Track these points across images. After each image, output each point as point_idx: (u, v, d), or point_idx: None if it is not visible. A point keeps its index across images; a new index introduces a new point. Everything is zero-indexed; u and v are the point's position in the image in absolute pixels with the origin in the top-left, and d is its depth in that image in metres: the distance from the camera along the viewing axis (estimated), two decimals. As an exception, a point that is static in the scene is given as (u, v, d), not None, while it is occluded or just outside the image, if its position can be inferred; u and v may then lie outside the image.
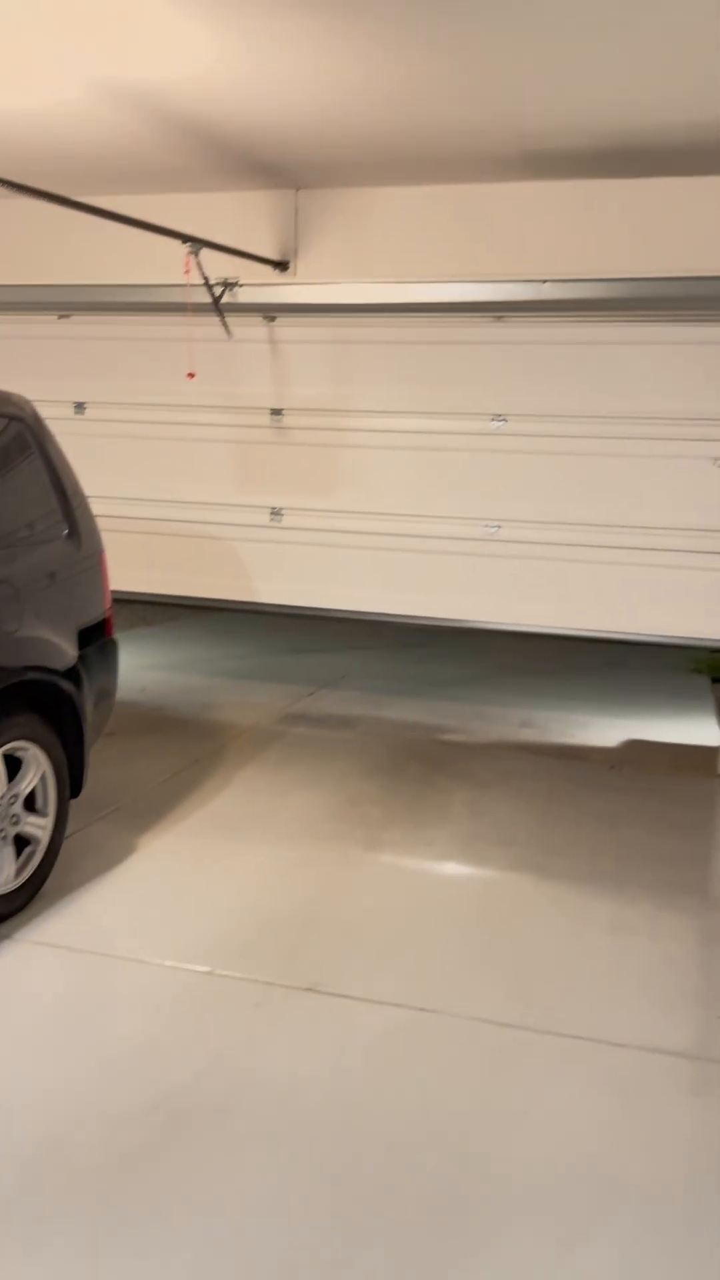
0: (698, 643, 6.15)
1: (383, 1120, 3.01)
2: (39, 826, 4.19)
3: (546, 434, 6.11)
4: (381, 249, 6.23)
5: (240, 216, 6.54)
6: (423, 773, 6.03)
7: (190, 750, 6.22)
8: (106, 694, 4.76)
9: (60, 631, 4.27)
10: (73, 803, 4.49)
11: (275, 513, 6.84)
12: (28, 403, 4.43)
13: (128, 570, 5.95)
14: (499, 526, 6.35)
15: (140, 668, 8.27)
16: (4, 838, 4.01)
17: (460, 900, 4.45)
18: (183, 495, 7.02)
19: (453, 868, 4.78)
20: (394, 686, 8.13)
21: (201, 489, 6.96)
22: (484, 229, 6.00)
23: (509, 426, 6.17)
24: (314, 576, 6.80)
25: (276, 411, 6.67)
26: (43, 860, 4.20)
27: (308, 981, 3.72)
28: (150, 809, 5.24)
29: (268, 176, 6.17)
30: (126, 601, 11.59)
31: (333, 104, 4.71)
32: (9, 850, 4.03)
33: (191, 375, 5.99)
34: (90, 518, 4.63)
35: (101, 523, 4.75)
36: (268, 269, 6.49)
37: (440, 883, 4.63)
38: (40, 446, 4.43)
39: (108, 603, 4.70)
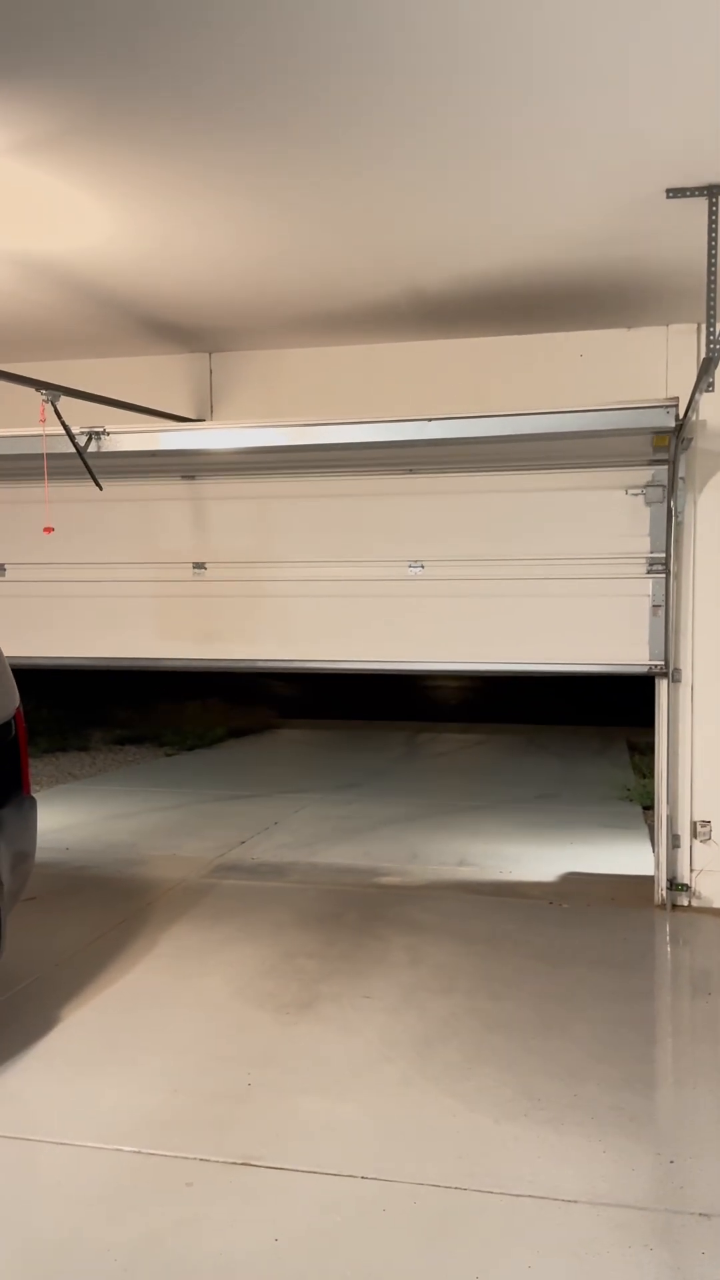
0: (616, 670, 6.17)
1: (325, 1307, 2.79)
2: (-48, 1002, 3.95)
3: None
4: (292, 406, 6.47)
5: (155, 379, 6.75)
6: (360, 920, 5.88)
7: (116, 911, 5.99)
8: (24, 856, 4.59)
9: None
10: (-9, 974, 4.27)
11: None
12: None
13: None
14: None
15: (64, 825, 8.02)
16: None
17: (401, 1056, 4.27)
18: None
19: (392, 1021, 4.60)
20: (327, 830, 8.00)
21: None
22: (389, 385, 6.30)
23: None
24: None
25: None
26: (-44, 1039, 3.95)
27: (242, 1155, 3.50)
28: (73, 977, 4.99)
29: (181, 342, 6.42)
30: (48, 751, 11.37)
31: (234, 272, 4.97)
32: None
33: (49, 529, 5.65)
34: (5, 670, 4.56)
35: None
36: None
37: (380, 1039, 4.44)
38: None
39: (24, 758, 4.59)
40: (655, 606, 5.94)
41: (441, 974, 5.10)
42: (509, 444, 5.64)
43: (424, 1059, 4.24)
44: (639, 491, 5.96)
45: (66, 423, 5.62)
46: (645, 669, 5.96)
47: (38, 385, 5.38)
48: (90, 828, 8.05)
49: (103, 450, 5.95)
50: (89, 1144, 3.55)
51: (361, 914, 5.98)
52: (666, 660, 5.92)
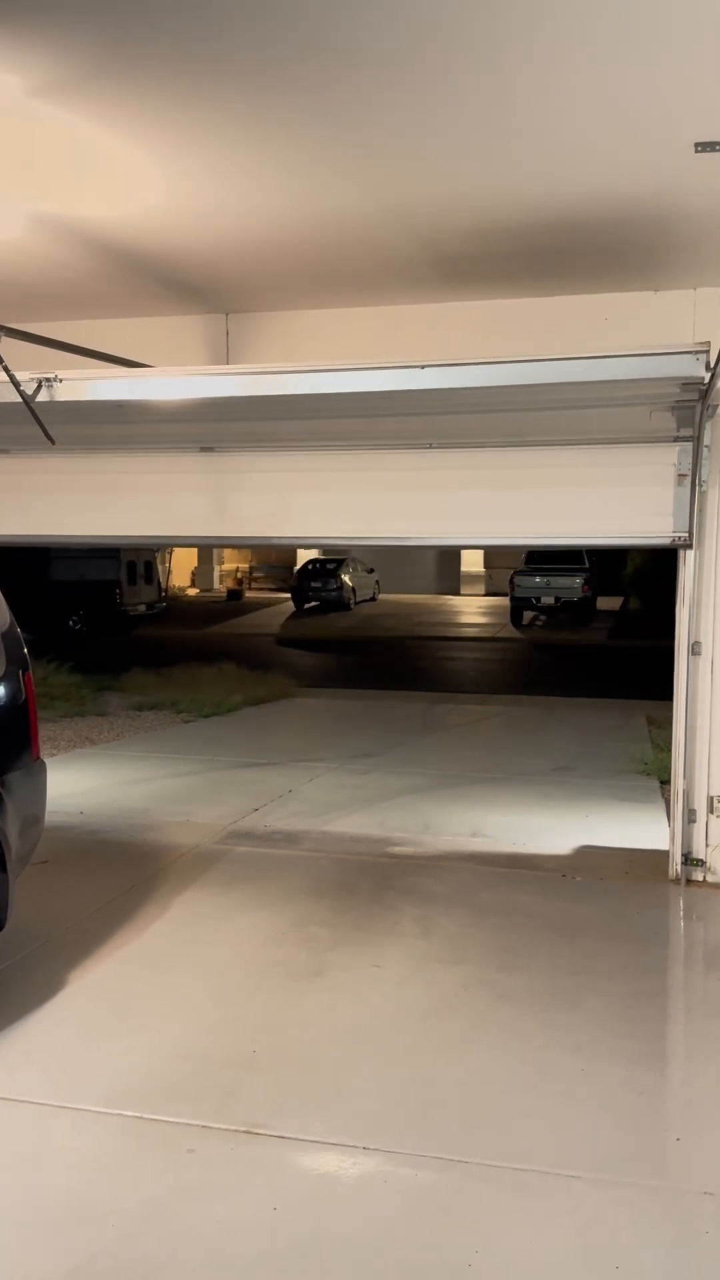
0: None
1: (322, 1277, 2.77)
2: (-41, 964, 3.95)
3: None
4: (310, 367, 6.35)
5: (172, 341, 6.66)
6: (372, 889, 5.85)
7: (127, 875, 5.98)
8: (34, 820, 4.57)
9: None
10: (2, 935, 4.26)
11: None
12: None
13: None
14: None
15: (79, 789, 8.03)
16: None
17: (409, 1027, 4.24)
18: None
19: (402, 991, 4.57)
20: (341, 799, 7.97)
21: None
22: (410, 348, 6.13)
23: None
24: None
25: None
26: (-37, 1001, 3.95)
27: (245, 1123, 3.48)
28: (82, 940, 4.99)
29: (198, 301, 6.31)
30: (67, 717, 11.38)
31: (251, 226, 4.84)
32: None
33: None
34: (15, 636, 4.53)
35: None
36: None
37: (389, 1008, 4.41)
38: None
39: (33, 722, 4.56)
40: (680, 475, 5.74)
41: (453, 945, 5.06)
42: (526, 411, 5.45)
43: (432, 1030, 4.21)
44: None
45: (7, 366, 4.91)
46: (669, 540, 5.84)
47: None
48: (105, 793, 8.05)
49: (56, 399, 5.22)
50: (92, 1108, 3.55)
51: (374, 883, 5.94)
52: (691, 532, 5.77)
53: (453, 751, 10.09)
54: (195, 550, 34.80)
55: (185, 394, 5.33)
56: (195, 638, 21.33)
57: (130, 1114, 3.52)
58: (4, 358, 4.89)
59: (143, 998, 4.44)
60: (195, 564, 35.22)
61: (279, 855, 6.48)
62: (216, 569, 35.57)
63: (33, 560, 20.70)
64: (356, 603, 28.42)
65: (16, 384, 5.00)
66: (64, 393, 5.19)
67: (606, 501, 5.92)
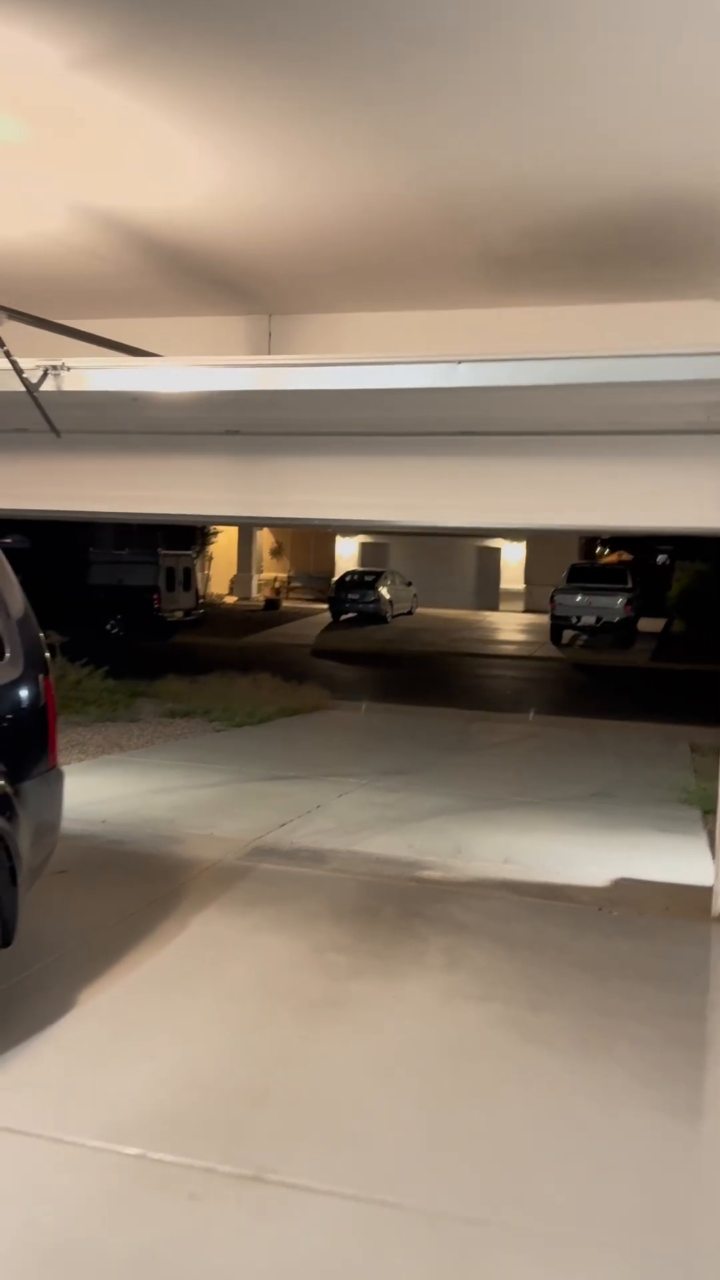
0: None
1: (327, 1351, 2.54)
2: (-39, 981, 3.77)
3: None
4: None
5: (214, 342, 6.51)
6: (397, 915, 5.61)
7: (147, 890, 5.79)
8: (48, 829, 4.40)
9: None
10: (12, 949, 4.08)
11: None
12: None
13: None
14: None
15: (105, 797, 7.87)
16: None
17: (431, 1067, 4.00)
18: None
19: (424, 1027, 4.33)
20: (370, 817, 7.74)
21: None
22: (451, 353, 5.94)
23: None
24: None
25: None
26: (-36, 1019, 3.77)
27: (253, 1167, 3.26)
28: (95, 958, 4.80)
29: (240, 301, 6.16)
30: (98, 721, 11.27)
31: (295, 220, 4.66)
32: None
33: None
34: (35, 640, 4.36)
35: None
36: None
37: (409, 1045, 4.17)
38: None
39: (52, 730, 4.39)
40: None
41: (480, 979, 4.81)
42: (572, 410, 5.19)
43: (455, 1071, 3.96)
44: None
45: (11, 354, 4.65)
46: None
47: None
48: (130, 801, 7.88)
49: (63, 389, 4.97)
50: (90, 1142, 3.34)
51: (399, 909, 5.71)
52: None
53: (487, 772, 9.83)
54: (234, 558, 34.80)
55: (204, 387, 5.10)
56: (231, 646, 21.21)
57: (130, 1151, 3.31)
58: (9, 347, 4.67)
59: (154, 1022, 4.24)
60: (234, 572, 35.21)
61: (302, 874, 6.27)
62: (255, 578, 35.52)
63: (72, 564, 20.75)
64: (394, 616, 28.20)
65: (19, 371, 4.77)
66: (70, 382, 4.95)
67: (654, 487, 5.66)
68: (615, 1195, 3.21)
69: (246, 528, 34.04)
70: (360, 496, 6.16)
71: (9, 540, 21.29)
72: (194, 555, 25.51)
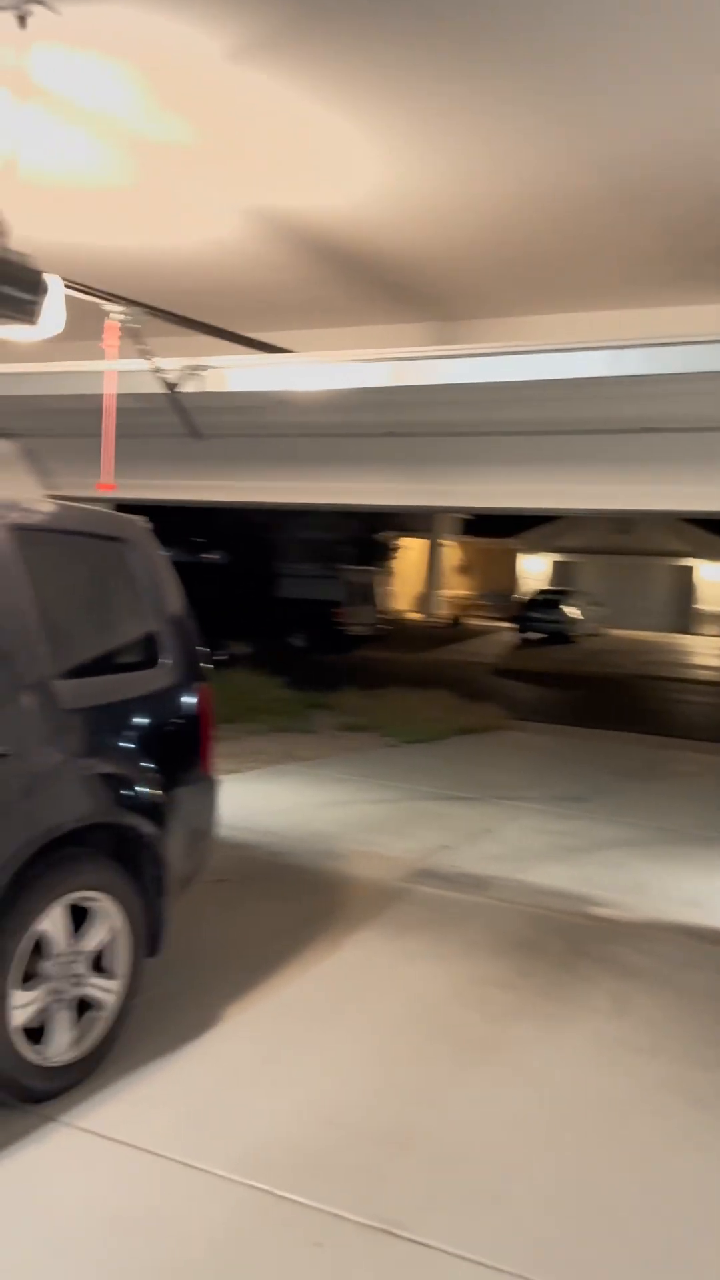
0: None
1: None
2: (105, 990, 3.72)
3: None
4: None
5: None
6: (563, 953, 5.25)
7: (304, 905, 5.67)
8: (200, 836, 4.33)
9: (135, 766, 3.88)
10: (159, 959, 4.02)
11: None
12: (131, 524, 4.21)
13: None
14: None
15: (273, 807, 7.85)
16: (62, 1001, 3.56)
17: (587, 1124, 3.66)
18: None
19: (584, 1079, 3.98)
20: (541, 845, 7.37)
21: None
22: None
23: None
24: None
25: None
26: (107, 1029, 3.72)
27: (385, 1219, 3.03)
28: (243, 974, 4.69)
29: (416, 307, 6.01)
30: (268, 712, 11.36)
31: (472, 217, 4.46)
32: (66, 1016, 3.57)
33: (107, 486, 4.29)
34: (193, 648, 4.31)
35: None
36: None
37: (566, 1098, 3.84)
38: (141, 571, 4.18)
39: (205, 738, 4.32)
40: None
41: (650, 1031, 4.40)
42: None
43: (613, 1133, 3.60)
44: None
45: (151, 353, 4.42)
46: None
47: (104, 296, 3.92)
48: (297, 813, 7.83)
49: (206, 390, 4.80)
50: (219, 1171, 3.20)
51: (566, 946, 5.34)
52: None
53: (674, 803, 9.23)
54: (419, 575, 34.84)
55: (351, 383, 4.98)
56: (411, 662, 21.11)
57: (260, 1186, 3.15)
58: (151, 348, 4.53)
59: (298, 1047, 4.08)
60: (419, 589, 35.24)
61: (464, 901, 5.99)
62: (439, 595, 35.43)
63: (261, 578, 21.26)
64: (581, 636, 27.41)
65: (160, 373, 4.66)
66: (212, 383, 4.81)
67: None
68: None
69: (433, 545, 34.03)
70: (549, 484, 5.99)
71: (210, 556, 22.06)
72: (377, 571, 25.66)
